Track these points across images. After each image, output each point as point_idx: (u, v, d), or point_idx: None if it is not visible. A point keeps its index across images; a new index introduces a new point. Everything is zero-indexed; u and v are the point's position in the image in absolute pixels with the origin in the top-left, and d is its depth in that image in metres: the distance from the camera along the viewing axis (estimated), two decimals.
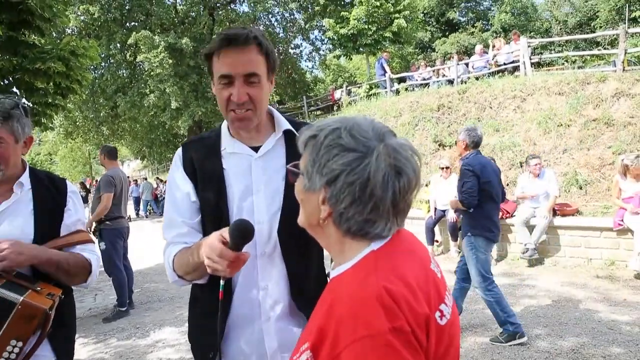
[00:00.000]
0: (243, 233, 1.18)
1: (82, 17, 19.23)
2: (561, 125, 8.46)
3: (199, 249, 1.32)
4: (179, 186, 1.51)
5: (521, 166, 8.04)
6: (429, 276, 0.93)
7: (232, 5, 22.64)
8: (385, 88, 15.77)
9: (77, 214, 1.81)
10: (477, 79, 12.40)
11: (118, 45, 20.08)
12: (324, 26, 20.55)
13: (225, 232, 1.23)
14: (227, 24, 20.87)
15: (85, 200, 16.87)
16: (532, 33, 26.34)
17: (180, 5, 21.57)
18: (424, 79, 15.44)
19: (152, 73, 18.00)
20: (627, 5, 22.75)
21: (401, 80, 16.65)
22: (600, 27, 24.23)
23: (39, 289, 1.53)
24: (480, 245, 4.01)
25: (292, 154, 1.36)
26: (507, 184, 7.47)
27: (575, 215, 6.59)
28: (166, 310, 5.86)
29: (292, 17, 24.37)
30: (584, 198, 7.10)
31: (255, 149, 1.48)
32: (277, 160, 1.49)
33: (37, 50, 5.62)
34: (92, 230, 5.65)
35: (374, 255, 0.92)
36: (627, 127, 7.69)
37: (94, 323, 5.55)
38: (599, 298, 4.92)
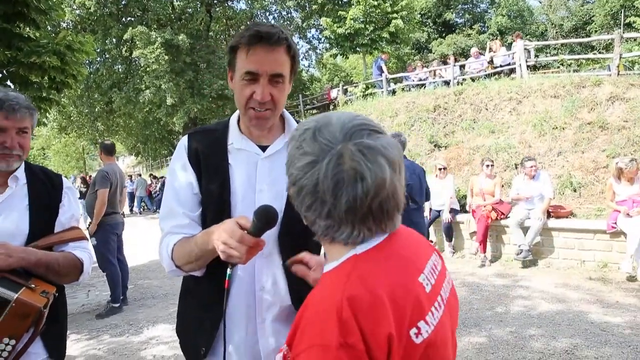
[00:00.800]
0: (268, 218, 1.16)
1: (77, 11, 19.12)
2: (556, 128, 8.51)
3: (206, 237, 1.29)
4: (182, 176, 1.48)
5: (516, 168, 8.07)
6: (411, 290, 0.87)
7: (230, 2, 22.59)
8: (382, 88, 15.79)
9: (72, 211, 1.79)
10: (473, 80, 12.45)
11: (114, 40, 20.02)
12: (321, 25, 20.55)
13: (241, 219, 1.21)
14: (225, 20, 20.84)
15: (84, 195, 16.78)
16: (528, 36, 26.47)
17: (177, 1, 21.50)
18: (421, 80, 15.48)
19: (148, 69, 17.94)
20: (622, 10, 22.93)
21: (397, 80, 16.68)
22: (596, 31, 24.42)
23: (33, 286, 1.50)
24: None
25: None
26: (503, 186, 7.50)
27: (569, 218, 6.63)
28: (160, 307, 5.82)
29: (289, 15, 24.39)
30: (578, 200, 7.14)
31: (263, 148, 1.47)
32: (284, 162, 1.48)
33: (33, 44, 5.55)
34: (87, 225, 5.61)
35: (354, 260, 0.89)
36: (621, 130, 7.74)
37: (87, 319, 5.51)
38: (592, 300, 4.95)
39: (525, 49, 11.36)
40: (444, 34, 32.35)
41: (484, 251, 6.84)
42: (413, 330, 0.84)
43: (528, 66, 11.44)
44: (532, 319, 4.48)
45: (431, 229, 7.67)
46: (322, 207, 0.87)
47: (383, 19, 18.98)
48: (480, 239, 6.78)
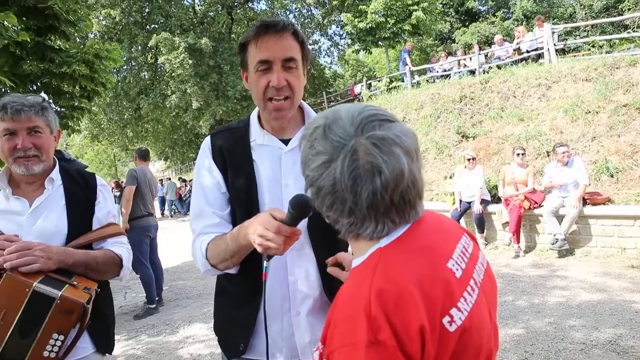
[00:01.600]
0: (304, 207, 1.16)
1: (104, 22, 19.64)
2: (589, 112, 8.21)
3: (241, 232, 1.31)
4: (208, 177, 1.49)
5: (548, 155, 7.84)
6: (440, 277, 0.85)
7: (250, 4, 22.78)
8: (406, 81, 15.61)
9: (108, 207, 1.83)
10: (499, 68, 12.15)
11: (139, 47, 20.46)
12: (342, 21, 20.47)
13: (274, 210, 1.22)
14: (246, 22, 21.00)
15: (119, 199, 17.25)
16: (555, 19, 25.66)
17: (198, 5, 21.81)
18: (445, 70, 15.22)
19: (173, 74, 18.28)
20: None
21: (421, 72, 16.45)
22: (629, 9, 23.41)
23: (75, 283, 1.55)
24: None
25: None
26: (535, 174, 7.29)
27: (606, 204, 6.40)
28: (194, 307, 5.93)
29: (309, 13, 24.39)
30: (615, 186, 6.87)
31: (285, 142, 1.47)
32: None
33: (63, 54, 5.74)
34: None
35: (379, 253, 0.88)
36: None
37: (125, 320, 5.67)
38: (635, 288, 4.77)
39: (553, 32, 11.00)
40: (467, 23, 31.71)
41: (518, 241, 6.68)
42: (446, 319, 0.82)
43: (557, 50, 11.08)
44: (572, 309, 4.34)
45: (462, 221, 7.54)
46: (343, 205, 0.86)
47: (404, 11, 18.75)
48: (514, 230, 6.62)
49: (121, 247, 1.82)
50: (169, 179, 25.37)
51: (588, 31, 20.47)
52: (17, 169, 1.66)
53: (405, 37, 19.21)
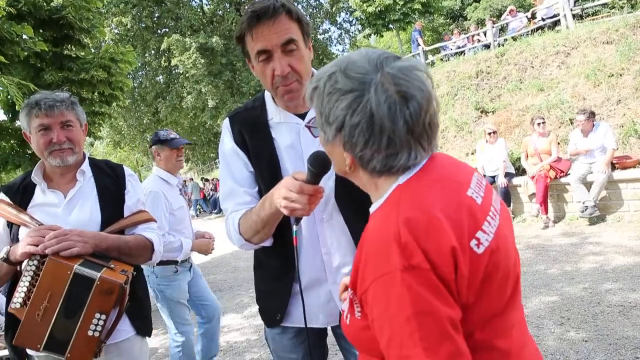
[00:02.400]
0: (322, 162, 1.17)
1: (115, 30, 19.95)
2: (612, 75, 7.96)
3: (268, 200, 1.33)
4: (233, 157, 1.52)
5: (571, 123, 7.65)
6: (463, 203, 0.87)
7: (250, 7, 22.79)
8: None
9: (137, 195, 1.90)
10: (514, 39, 11.86)
11: (152, 52, 20.72)
12: (351, 7, 20.28)
13: (297, 173, 1.24)
14: None
15: None
16: None
17: (206, 5, 21.93)
18: (459, 47, 14.94)
19: (187, 75, 18.48)
20: None
21: (435, 51, 16.20)
22: None
23: (112, 266, 1.63)
24: None
25: None
26: (559, 143, 7.13)
27: (637, 167, 6.22)
28: (227, 298, 6.04)
29: (317, 2, 24.24)
30: None
31: (302, 116, 1.48)
32: None
33: (81, 62, 5.89)
34: None
35: (399, 190, 0.90)
36: None
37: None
38: None
39: None
40: None
41: (546, 212, 6.57)
42: (473, 242, 0.84)
43: (574, 16, 10.74)
44: (607, 274, 4.26)
45: None
46: (382, 136, 0.87)
47: None
48: (541, 200, 6.51)
49: (152, 232, 1.88)
50: (192, 179, 25.76)
51: None
52: (52, 161, 1.74)
53: (416, 17, 18.92)
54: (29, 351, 1.73)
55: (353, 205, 1.43)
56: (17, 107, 4.67)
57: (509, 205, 7.19)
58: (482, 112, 9.78)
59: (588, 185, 6.19)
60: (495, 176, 7.18)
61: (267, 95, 1.53)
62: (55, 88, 6.03)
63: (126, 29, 19.76)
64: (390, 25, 19.63)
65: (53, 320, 1.53)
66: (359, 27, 23.35)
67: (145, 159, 35.20)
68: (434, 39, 25.85)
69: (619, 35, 8.57)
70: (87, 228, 1.71)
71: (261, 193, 1.50)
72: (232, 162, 1.53)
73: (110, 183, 1.86)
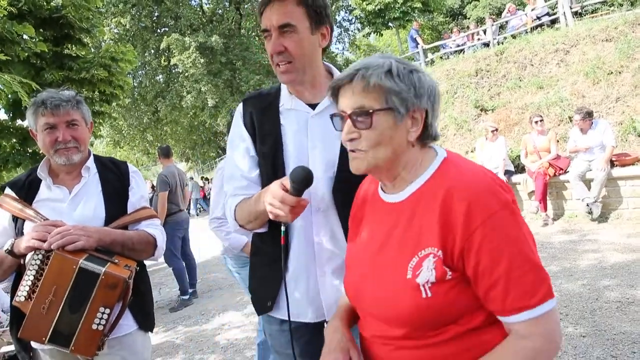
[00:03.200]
0: (303, 178, 1.22)
1: (115, 30, 19.94)
2: (611, 73, 7.98)
3: (260, 198, 1.37)
4: (238, 141, 1.56)
5: (570, 121, 7.67)
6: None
7: None
8: (419, 60, 15.41)
9: (140, 192, 1.93)
10: (514, 37, 11.87)
11: (152, 51, 20.71)
12: (350, 5, 20.28)
13: (285, 180, 1.27)
14: (254, 17, 21.00)
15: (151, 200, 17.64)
16: None
17: (206, 4, 21.93)
18: (458, 46, 14.95)
19: (186, 74, 18.48)
20: None
21: (435, 49, 16.20)
22: None
23: (116, 261, 1.65)
24: None
25: None
26: (558, 141, 7.15)
27: (636, 165, 6.24)
28: (227, 296, 6.07)
29: None
30: None
31: (314, 107, 1.51)
32: None
33: (81, 61, 5.91)
34: None
35: (447, 162, 1.09)
36: None
37: (162, 314, 5.83)
38: None
39: None
40: None
41: (545, 209, 6.59)
42: None
43: (573, 13, 10.75)
44: (605, 270, 4.29)
45: None
46: (439, 105, 1.13)
47: None
48: (540, 197, 6.53)
49: (155, 228, 1.91)
50: (192, 178, 25.80)
51: None
52: (58, 159, 1.77)
53: (415, 16, 18.92)
54: (33, 344, 1.75)
55: (350, 199, 1.45)
56: (22, 103, 4.70)
57: None
58: (481, 110, 9.79)
59: (587, 182, 6.21)
60: (496, 173, 7.19)
61: (283, 85, 1.56)
62: (55, 87, 6.04)
63: (125, 30, 19.76)
64: (390, 24, 19.63)
65: (58, 313, 1.56)
66: (359, 25, 23.35)
67: (146, 158, 35.20)
68: (433, 37, 25.85)
69: (618, 33, 8.58)
70: (91, 223, 1.73)
71: (262, 176, 1.53)
72: (236, 145, 1.57)
73: (115, 180, 1.88)
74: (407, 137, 1.07)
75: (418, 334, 1.04)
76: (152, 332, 1.97)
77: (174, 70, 21.27)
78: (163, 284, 7.55)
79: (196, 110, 20.04)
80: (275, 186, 1.27)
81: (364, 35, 26.08)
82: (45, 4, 5.56)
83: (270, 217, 1.29)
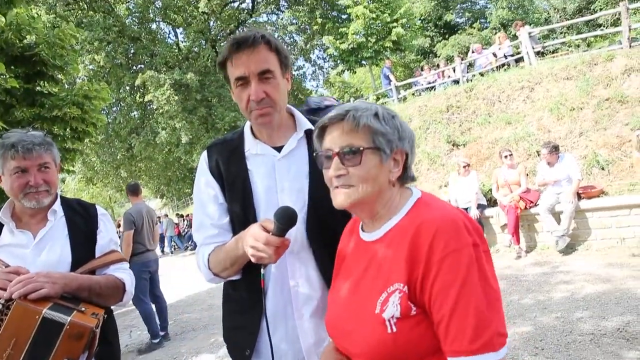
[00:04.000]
0: (288, 218, 1.23)
1: (90, 67, 19.87)
2: (573, 109, 8.36)
3: (237, 243, 1.36)
4: (206, 189, 1.55)
5: (538, 155, 7.94)
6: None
7: (233, 35, 23.17)
8: (392, 97, 15.83)
9: (109, 235, 1.87)
10: (482, 75, 12.38)
11: (127, 87, 20.65)
12: (324, 44, 20.84)
13: (265, 222, 1.28)
14: None
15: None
16: (531, 25, 26.18)
17: (182, 42, 22.17)
18: (430, 83, 15.47)
19: (161, 110, 18.43)
20: None
21: (407, 86, 16.70)
22: (601, 9, 24.04)
23: (83, 309, 1.58)
24: None
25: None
26: (528, 174, 7.37)
27: (600, 197, 6.46)
28: (201, 338, 5.86)
29: (292, 39, 24.83)
30: (607, 178, 6.96)
31: (279, 149, 1.52)
32: (300, 159, 1.52)
33: (54, 98, 5.83)
34: None
35: (421, 202, 1.15)
36: None
37: (131, 358, 5.59)
38: (639, 275, 4.78)
39: (530, 35, 11.27)
40: (446, 36, 32.29)
41: (518, 242, 6.70)
42: None
43: (536, 53, 11.33)
44: (578, 302, 4.35)
45: None
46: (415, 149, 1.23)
47: (384, 29, 19.11)
48: (512, 231, 6.65)
49: (124, 272, 1.85)
50: (166, 215, 25.30)
51: (564, 33, 20.94)
52: (27, 203, 1.71)
53: (387, 54, 19.55)
54: None
55: (323, 239, 1.46)
56: None
57: None
58: (453, 145, 10.05)
59: (557, 215, 6.37)
60: (467, 208, 7.32)
61: (247, 128, 1.57)
62: (25, 125, 5.94)
63: (99, 66, 19.72)
64: (363, 62, 20.19)
65: None
66: (332, 63, 23.93)
67: (119, 195, 34.48)
68: (405, 75, 26.68)
69: (577, 72, 9.06)
70: (57, 269, 1.67)
71: (232, 223, 1.52)
72: (203, 194, 1.56)
73: (82, 223, 1.83)
74: (389, 176, 1.15)
75: None
76: None
77: (149, 107, 21.20)
78: (134, 326, 7.25)
79: (171, 147, 19.88)
80: (255, 228, 1.27)
81: (338, 73, 26.72)
82: (17, 41, 5.50)
83: (253, 260, 1.27)
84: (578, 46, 12.42)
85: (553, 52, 13.81)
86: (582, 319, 3.91)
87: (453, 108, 10.94)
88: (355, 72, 23.52)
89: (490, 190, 7.56)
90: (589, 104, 8.23)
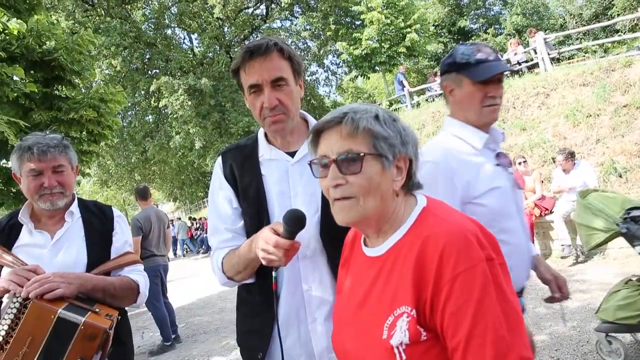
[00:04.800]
0: (297, 221, 1.24)
1: (106, 71, 20.20)
2: (590, 115, 8.25)
3: (250, 246, 1.37)
4: (220, 194, 1.57)
5: (554, 161, 7.84)
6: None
7: (247, 42, 23.35)
8: (405, 102, 15.80)
9: (125, 237, 1.90)
10: None
11: (142, 92, 20.93)
12: (338, 50, 20.89)
13: (276, 225, 1.29)
14: None
15: None
16: (547, 31, 25.98)
17: (197, 47, 22.43)
18: None
19: (175, 115, 18.63)
20: None
21: (420, 92, 16.65)
22: (618, 14, 23.74)
23: (97, 310, 1.60)
24: None
25: None
26: (543, 181, 7.27)
27: None
28: (212, 340, 5.88)
29: (305, 45, 24.95)
30: (625, 186, 6.84)
31: (292, 154, 1.53)
32: None
33: (71, 102, 5.94)
34: None
35: (426, 211, 1.05)
36: None
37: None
38: None
39: (545, 41, 11.17)
40: (460, 42, 32.22)
41: None
42: None
43: (551, 59, 11.22)
44: (594, 312, 4.25)
45: None
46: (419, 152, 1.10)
47: (397, 35, 19.12)
48: None
49: (138, 274, 1.88)
50: (179, 218, 25.54)
51: (580, 39, 20.73)
52: (42, 204, 1.74)
53: (401, 60, 19.53)
54: None
55: (337, 244, 1.46)
56: (8, 143, 4.67)
57: None
58: None
59: (572, 223, 6.27)
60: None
61: (261, 134, 1.59)
62: (43, 128, 6.05)
63: (116, 71, 20.04)
64: (377, 68, 20.20)
65: None
66: (346, 69, 23.98)
67: (133, 198, 34.92)
68: (419, 81, 26.61)
69: (594, 78, 8.94)
70: (73, 270, 1.69)
71: (247, 226, 1.53)
72: (218, 199, 1.57)
73: (98, 224, 1.86)
74: (393, 185, 1.03)
75: None
76: None
77: (163, 111, 21.45)
78: (146, 327, 7.30)
79: (184, 151, 20.08)
80: (266, 231, 1.28)
81: (351, 79, 26.78)
82: (37, 47, 5.63)
83: (264, 262, 1.28)
84: (595, 52, 12.25)
85: (569, 59, 13.68)
86: None
87: None
88: (369, 78, 23.55)
89: None
90: (606, 110, 8.12)
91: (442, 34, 33.23)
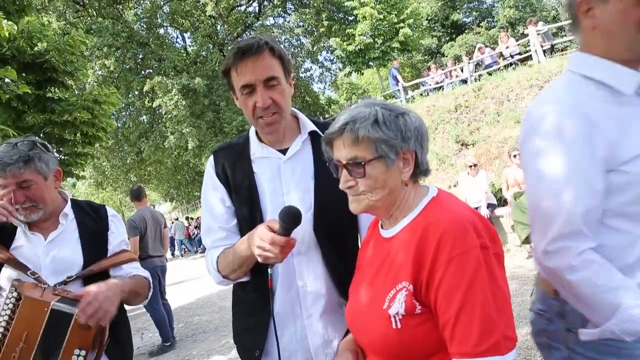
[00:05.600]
0: (293, 218, 1.25)
1: (99, 72, 20.09)
2: None
3: (245, 244, 1.37)
4: (213, 193, 1.57)
5: None
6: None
7: (240, 39, 23.26)
8: (400, 97, 15.82)
9: (121, 236, 1.90)
10: (490, 74, 12.33)
11: (136, 92, 20.83)
12: (331, 46, 20.87)
13: (271, 222, 1.29)
14: None
15: None
16: (540, 23, 26.01)
17: (190, 47, 22.34)
18: (437, 83, 15.44)
19: (169, 115, 18.57)
20: None
21: (414, 87, 16.68)
22: None
23: None
24: None
25: (319, 154, 1.39)
26: None
27: None
28: (212, 340, 5.89)
29: (298, 42, 24.89)
30: None
31: (284, 151, 1.53)
32: (305, 161, 1.53)
33: (64, 104, 5.92)
34: None
35: (435, 200, 1.15)
36: None
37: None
38: None
39: (538, 33, 11.20)
40: (454, 36, 32.20)
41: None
42: None
43: (544, 50, 11.25)
44: None
45: None
46: (426, 141, 1.18)
47: (391, 30, 19.12)
48: None
49: (139, 270, 1.90)
50: (177, 219, 25.48)
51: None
52: (19, 216, 1.70)
53: (395, 55, 19.54)
54: None
55: (331, 239, 1.47)
56: None
57: None
58: (462, 145, 10.02)
59: None
60: (478, 207, 7.27)
61: (252, 132, 1.59)
62: (37, 130, 6.03)
63: (109, 71, 19.93)
64: (370, 63, 20.20)
65: None
66: (340, 65, 23.96)
67: (129, 199, 34.85)
68: (413, 75, 26.63)
69: None
70: (68, 270, 1.69)
71: (240, 225, 1.53)
72: (211, 198, 1.58)
73: (92, 224, 1.85)
74: (401, 177, 1.15)
75: None
76: None
77: (157, 112, 21.35)
78: (145, 328, 7.30)
79: (180, 150, 20.01)
80: (262, 229, 1.29)
81: (345, 75, 26.76)
82: (28, 49, 5.60)
83: (259, 260, 1.29)
84: None
85: (562, 50, 13.72)
86: None
87: (461, 108, 10.90)
88: (363, 74, 23.58)
89: (500, 189, 7.50)
90: None
91: (436, 28, 33.23)
